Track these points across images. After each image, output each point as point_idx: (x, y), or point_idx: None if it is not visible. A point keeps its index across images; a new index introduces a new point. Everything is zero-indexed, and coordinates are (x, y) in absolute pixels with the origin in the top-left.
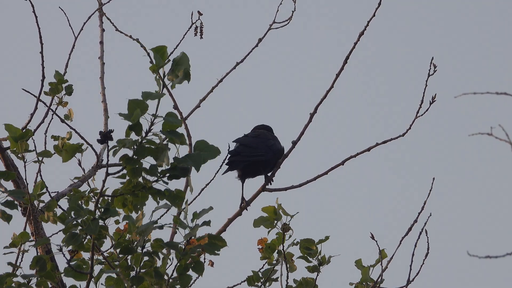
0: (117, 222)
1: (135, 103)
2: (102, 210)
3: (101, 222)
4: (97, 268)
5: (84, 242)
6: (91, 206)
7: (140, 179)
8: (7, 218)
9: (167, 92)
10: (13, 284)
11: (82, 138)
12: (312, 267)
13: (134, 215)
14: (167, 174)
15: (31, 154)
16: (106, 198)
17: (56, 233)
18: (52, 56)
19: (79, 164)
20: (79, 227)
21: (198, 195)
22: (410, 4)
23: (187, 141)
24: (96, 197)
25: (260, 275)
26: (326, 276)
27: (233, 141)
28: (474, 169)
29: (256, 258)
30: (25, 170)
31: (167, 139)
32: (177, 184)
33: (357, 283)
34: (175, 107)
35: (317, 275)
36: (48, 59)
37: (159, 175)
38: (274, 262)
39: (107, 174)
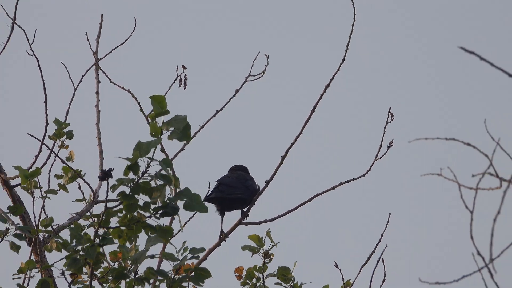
0: (113, 253)
1: (141, 147)
2: (101, 238)
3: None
4: None
5: (84, 267)
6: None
7: (135, 214)
8: (17, 248)
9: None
10: None
11: (81, 177)
12: None
13: (128, 245)
14: (160, 211)
15: (37, 190)
16: (104, 229)
17: (58, 261)
18: (54, 105)
19: (79, 187)
20: (80, 253)
21: (182, 228)
22: (373, 57)
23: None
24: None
25: None
26: None
27: (216, 181)
28: (426, 206)
29: (234, 285)
30: (33, 205)
31: (163, 181)
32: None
33: None
34: (162, 150)
35: None
36: (51, 108)
37: (152, 211)
38: None
39: (106, 208)
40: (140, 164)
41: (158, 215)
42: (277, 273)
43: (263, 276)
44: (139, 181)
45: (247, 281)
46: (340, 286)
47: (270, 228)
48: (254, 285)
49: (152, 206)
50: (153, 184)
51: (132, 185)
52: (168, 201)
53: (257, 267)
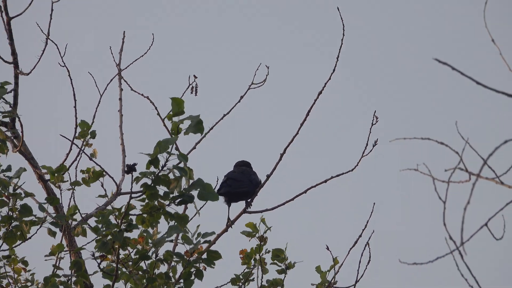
0: (136, 240)
1: (161, 144)
2: (127, 224)
3: (125, 234)
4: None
5: (112, 249)
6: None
7: (156, 203)
8: (53, 234)
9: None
10: (56, 282)
11: (106, 172)
12: (281, 270)
13: (150, 230)
14: (178, 200)
15: (66, 184)
16: (129, 216)
17: (86, 244)
18: (83, 110)
19: (102, 185)
20: (109, 237)
21: (194, 215)
22: (363, 64)
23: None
24: (121, 217)
25: (241, 277)
26: (293, 278)
27: (224, 176)
28: (405, 196)
29: (238, 264)
30: (61, 196)
31: (180, 173)
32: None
33: (318, 284)
34: (177, 148)
35: (284, 276)
36: (80, 112)
37: (170, 200)
38: (252, 267)
39: (131, 198)
40: (160, 159)
41: (176, 203)
42: (271, 254)
43: (260, 255)
44: (159, 174)
45: (246, 261)
46: (330, 265)
47: (269, 216)
48: (254, 264)
49: (171, 195)
50: (171, 176)
51: (153, 177)
52: (184, 191)
53: (254, 249)
